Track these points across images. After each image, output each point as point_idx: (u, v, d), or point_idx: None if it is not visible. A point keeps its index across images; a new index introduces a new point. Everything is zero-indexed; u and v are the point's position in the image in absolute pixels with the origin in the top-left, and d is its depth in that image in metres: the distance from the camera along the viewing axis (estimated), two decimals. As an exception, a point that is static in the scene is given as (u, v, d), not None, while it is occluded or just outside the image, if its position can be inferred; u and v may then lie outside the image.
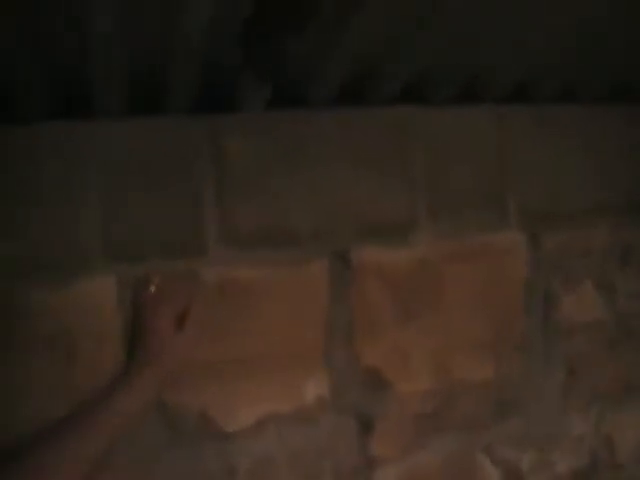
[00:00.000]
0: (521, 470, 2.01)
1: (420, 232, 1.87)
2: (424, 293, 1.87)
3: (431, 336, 1.87)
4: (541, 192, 2.05)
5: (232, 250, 1.67)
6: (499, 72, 1.84)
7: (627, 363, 2.16)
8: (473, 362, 1.93)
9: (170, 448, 1.60)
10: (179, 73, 1.45)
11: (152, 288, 1.53)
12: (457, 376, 1.90)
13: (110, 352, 1.54)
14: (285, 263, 1.72)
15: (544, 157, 2.06)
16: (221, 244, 1.66)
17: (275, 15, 1.39)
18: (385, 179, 1.84)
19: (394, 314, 1.83)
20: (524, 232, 2.02)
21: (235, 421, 1.66)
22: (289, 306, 1.72)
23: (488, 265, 1.95)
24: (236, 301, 1.66)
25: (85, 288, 1.54)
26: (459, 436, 1.92)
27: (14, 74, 1.32)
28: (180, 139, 1.64)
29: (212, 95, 1.60)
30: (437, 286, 1.89)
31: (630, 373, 2.16)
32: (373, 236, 1.81)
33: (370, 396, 1.80)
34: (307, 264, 1.74)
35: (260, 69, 1.55)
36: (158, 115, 1.61)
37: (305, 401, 1.73)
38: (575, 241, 2.08)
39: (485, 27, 1.58)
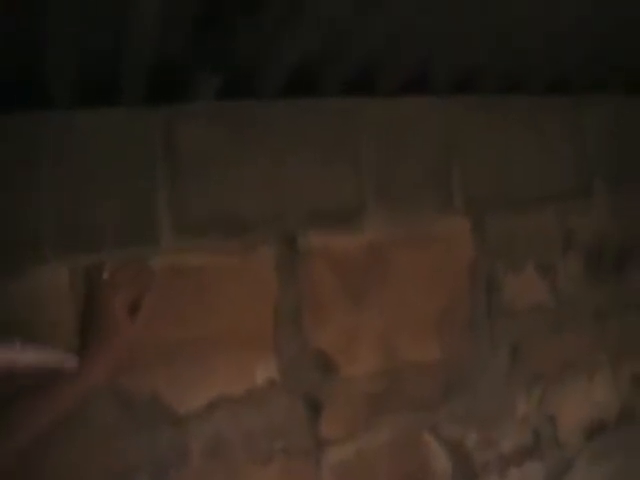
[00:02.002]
0: (467, 448, 2.06)
1: (368, 218, 1.91)
2: (372, 277, 1.91)
3: (379, 319, 1.91)
4: (487, 179, 2.10)
5: (183, 238, 1.69)
6: (447, 63, 1.88)
7: (568, 344, 2.23)
8: (420, 344, 1.97)
9: (124, 430, 1.62)
10: (131, 64, 1.46)
11: (105, 275, 1.56)
12: (404, 358, 1.94)
13: (64, 339, 1.53)
14: (235, 249, 1.74)
15: (491, 145, 2.12)
16: (173, 232, 1.68)
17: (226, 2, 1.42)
18: (334, 166, 1.87)
19: (342, 298, 1.86)
20: (470, 218, 2.07)
21: (187, 403, 1.68)
22: (239, 291, 1.74)
23: (434, 250, 2.00)
24: (187, 287, 1.69)
25: (38, 277, 1.55)
26: (407, 416, 1.96)
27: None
28: (133, 128, 1.65)
29: (164, 86, 1.61)
30: (385, 270, 1.93)
31: (571, 353, 2.24)
32: (322, 222, 1.85)
33: (319, 378, 1.84)
34: (256, 250, 1.77)
35: (211, 59, 1.56)
36: (111, 106, 1.61)
37: (255, 383, 1.76)
38: (519, 226, 2.14)
39: (436, 18, 1.62)
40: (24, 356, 1.37)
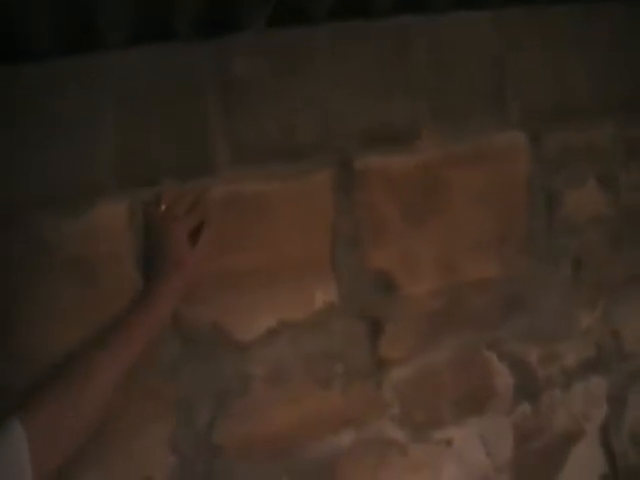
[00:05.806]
0: (530, 363, 2.06)
1: (423, 137, 1.88)
2: (429, 197, 1.89)
3: (437, 238, 1.90)
4: (542, 92, 2.05)
5: (240, 167, 1.68)
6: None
7: (631, 256, 2.20)
8: (479, 261, 1.96)
9: (186, 359, 1.64)
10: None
11: (163, 206, 1.58)
12: (464, 276, 1.93)
13: (126, 273, 1.57)
14: (292, 176, 1.74)
15: (545, 57, 2.05)
16: (228, 162, 1.67)
17: None
18: (387, 87, 1.84)
19: (400, 218, 1.85)
20: (526, 132, 2.02)
21: (248, 330, 1.70)
22: (297, 217, 1.74)
23: (491, 166, 1.97)
24: (245, 215, 1.69)
25: (99, 213, 1.56)
26: (468, 334, 1.96)
27: (16, 11, 1.30)
28: (186, 62, 1.65)
29: (215, 17, 1.60)
30: (442, 189, 1.90)
31: (634, 266, 2.20)
32: (377, 144, 1.83)
33: (379, 299, 1.84)
34: (313, 175, 1.76)
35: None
36: (164, 41, 1.61)
37: (315, 307, 1.77)
38: (577, 139, 2.09)
39: None
40: None
